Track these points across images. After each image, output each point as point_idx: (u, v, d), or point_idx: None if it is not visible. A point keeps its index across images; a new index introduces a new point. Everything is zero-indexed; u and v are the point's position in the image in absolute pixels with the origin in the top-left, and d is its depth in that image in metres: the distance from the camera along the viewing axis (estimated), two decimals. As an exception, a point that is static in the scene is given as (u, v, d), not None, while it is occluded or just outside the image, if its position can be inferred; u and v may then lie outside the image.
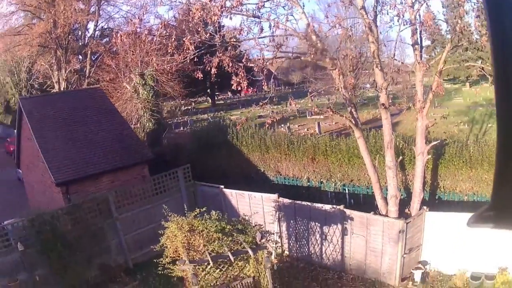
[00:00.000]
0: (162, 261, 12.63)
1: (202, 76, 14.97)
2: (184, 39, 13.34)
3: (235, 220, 13.29)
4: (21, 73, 63.84)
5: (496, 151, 1.63)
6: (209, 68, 14.01)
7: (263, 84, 17.05)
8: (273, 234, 14.18)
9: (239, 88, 13.98)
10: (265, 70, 14.28)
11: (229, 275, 12.63)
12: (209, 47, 14.26)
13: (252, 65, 14.48)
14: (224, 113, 29.93)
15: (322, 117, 41.39)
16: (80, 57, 45.07)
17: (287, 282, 15.57)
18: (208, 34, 14.01)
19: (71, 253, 16.27)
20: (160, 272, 12.99)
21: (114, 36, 14.74)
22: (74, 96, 28.77)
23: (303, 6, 14.36)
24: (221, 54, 13.79)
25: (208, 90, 76.23)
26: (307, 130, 30.84)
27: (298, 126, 39.00)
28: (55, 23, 39.52)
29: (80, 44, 45.86)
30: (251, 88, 16.10)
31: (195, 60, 15.82)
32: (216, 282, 12.55)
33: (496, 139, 1.63)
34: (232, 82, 14.03)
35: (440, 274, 15.09)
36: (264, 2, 13.61)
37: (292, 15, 14.27)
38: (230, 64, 13.74)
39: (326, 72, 17.07)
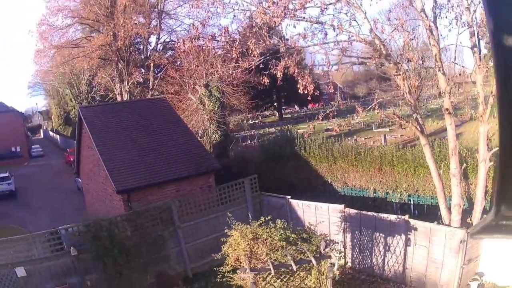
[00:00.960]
0: (222, 269, 12.66)
1: (269, 81, 15.04)
2: (248, 43, 13.46)
3: (300, 229, 13.28)
4: (81, 86, 65.70)
5: (498, 160, 1.62)
6: (274, 72, 14.04)
7: (331, 95, 17.18)
8: (337, 243, 14.04)
9: (306, 92, 14.09)
10: (330, 82, 14.37)
11: (290, 286, 12.50)
12: (274, 53, 14.39)
13: (317, 70, 14.59)
14: (291, 126, 30.29)
15: (387, 129, 41.64)
16: (143, 70, 46.04)
17: (348, 294, 15.42)
18: (273, 40, 14.15)
19: (128, 259, 16.45)
20: (219, 281, 13.05)
21: (177, 42, 15.10)
22: (137, 106, 29.31)
23: (365, 12, 14.43)
24: (286, 59, 13.85)
25: (275, 104, 76.76)
26: (373, 142, 30.79)
27: (365, 138, 38.87)
28: (115, 36, 40.43)
29: (143, 57, 46.91)
30: (318, 102, 16.26)
31: (261, 67, 15.96)
32: (276, 293, 12.45)
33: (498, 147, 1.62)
34: (298, 86, 14.07)
35: (495, 286, 14.70)
36: (327, 5, 13.68)
37: (355, 20, 14.40)
38: (296, 70, 13.81)
39: (391, 83, 16.94)
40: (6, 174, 43.62)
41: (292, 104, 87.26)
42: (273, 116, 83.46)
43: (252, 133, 53.42)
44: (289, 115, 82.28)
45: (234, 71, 19.80)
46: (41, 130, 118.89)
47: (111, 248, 16.13)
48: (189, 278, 18.52)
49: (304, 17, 14.34)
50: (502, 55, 1.46)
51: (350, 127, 48.14)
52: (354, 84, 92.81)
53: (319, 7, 13.86)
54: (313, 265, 12.05)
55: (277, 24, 13.68)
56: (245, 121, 55.22)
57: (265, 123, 72.47)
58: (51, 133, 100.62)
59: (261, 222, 12.83)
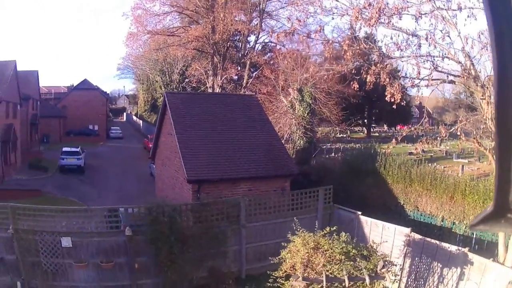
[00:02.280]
0: (275, 274, 12.89)
1: (358, 87, 15.22)
2: (342, 43, 13.74)
3: (362, 246, 13.28)
4: (174, 74, 67.25)
5: (495, 150, 1.65)
6: (365, 77, 14.26)
7: (419, 119, 17.30)
8: (396, 265, 13.98)
9: (392, 100, 14.20)
10: (423, 106, 14.46)
11: (340, 303, 12.58)
12: (367, 60, 14.59)
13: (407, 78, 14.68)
14: (378, 144, 30.45)
15: (467, 161, 43.93)
16: (239, 67, 46.92)
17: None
18: (367, 45, 14.38)
19: (184, 249, 16.54)
20: (269, 285, 13.22)
21: (271, 33, 15.51)
22: (225, 99, 29.95)
23: (459, 31, 14.40)
24: (379, 65, 14.05)
25: (365, 120, 76.61)
26: (451, 172, 30.79)
27: (444, 167, 38.73)
28: (213, 29, 41.35)
29: (240, 54, 47.81)
30: (407, 124, 16.35)
31: (353, 72, 16.20)
32: (324, 308, 12.53)
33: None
34: (386, 93, 14.24)
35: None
36: (421, 14, 13.78)
37: (448, 36, 14.35)
38: (386, 77, 13.98)
39: (477, 113, 16.72)
40: (77, 149, 45.63)
41: (381, 123, 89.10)
42: (361, 133, 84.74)
43: (338, 146, 53.25)
44: (376, 134, 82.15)
45: (326, 74, 19.93)
46: (125, 114, 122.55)
47: (169, 235, 16.23)
48: (241, 279, 18.66)
49: (400, 28, 14.65)
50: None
51: (432, 154, 47.86)
52: (443, 111, 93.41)
53: (413, 15, 14.04)
54: (366, 284, 12.13)
55: (371, 26, 13.87)
56: (332, 133, 55.23)
57: (352, 138, 72.53)
58: (134, 117, 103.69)
59: (325, 232, 12.97)
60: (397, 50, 14.98)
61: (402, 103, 14.85)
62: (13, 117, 43.57)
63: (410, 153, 41.38)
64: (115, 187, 37.32)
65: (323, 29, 15.01)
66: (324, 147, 47.92)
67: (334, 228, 13.37)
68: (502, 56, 1.46)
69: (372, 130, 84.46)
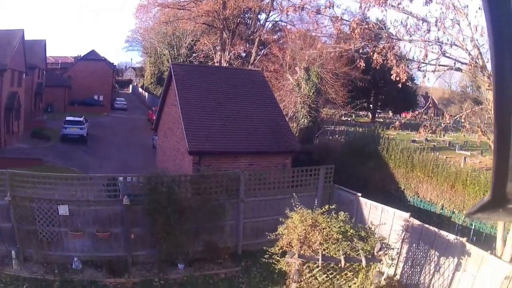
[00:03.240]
0: (271, 250, 12.77)
1: (364, 65, 14.99)
2: (351, 22, 13.51)
3: (360, 227, 13.14)
4: (182, 48, 67.11)
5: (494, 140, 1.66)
6: (372, 54, 14.03)
7: (426, 109, 17.10)
8: (393, 249, 13.81)
9: (398, 79, 14.03)
10: (429, 96, 14.28)
11: (334, 284, 12.44)
12: (375, 40, 14.37)
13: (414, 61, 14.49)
14: (382, 129, 30.50)
15: (469, 153, 44.04)
16: (247, 44, 46.66)
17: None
18: (377, 25, 14.18)
19: (181, 221, 16.45)
20: (264, 261, 13.20)
21: (280, 8, 15.32)
22: (231, 73, 29.72)
23: (469, 22, 14.17)
24: (387, 44, 13.84)
25: (371, 105, 76.56)
26: (453, 162, 30.95)
27: (446, 157, 38.93)
28: (225, 5, 40.98)
29: (249, 32, 47.51)
30: (413, 112, 16.15)
31: (360, 52, 15.96)
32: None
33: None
34: (392, 72, 14.04)
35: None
36: None
37: (458, 24, 14.22)
38: (392, 56, 13.79)
39: (482, 107, 16.49)
40: (81, 119, 45.75)
41: (387, 109, 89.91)
42: (366, 118, 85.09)
43: (342, 129, 53.10)
44: (381, 120, 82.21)
45: (333, 51, 19.68)
46: (131, 86, 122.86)
47: (166, 206, 16.14)
48: (237, 254, 18.58)
49: (410, 12, 14.47)
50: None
51: (435, 144, 47.86)
52: (449, 103, 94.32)
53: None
54: (362, 266, 11.99)
55: (381, 4, 13.64)
56: (337, 115, 55.16)
57: (357, 122, 72.64)
58: (140, 89, 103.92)
59: (324, 210, 12.81)
60: (406, 33, 14.83)
61: (407, 83, 14.72)
62: (18, 86, 43.48)
63: (414, 141, 42.14)
64: (117, 157, 37.29)
65: (333, 5, 14.74)
66: (328, 128, 47.86)
67: (333, 206, 13.27)
68: (500, 55, 1.50)
69: (377, 115, 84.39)
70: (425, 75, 14.52)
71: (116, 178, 18.10)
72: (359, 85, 46.59)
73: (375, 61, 14.40)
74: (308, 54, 34.37)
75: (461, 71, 15.71)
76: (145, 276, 16.46)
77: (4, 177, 15.80)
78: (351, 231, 12.35)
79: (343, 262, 11.37)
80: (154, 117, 40.66)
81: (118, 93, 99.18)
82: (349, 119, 72.34)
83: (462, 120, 15.75)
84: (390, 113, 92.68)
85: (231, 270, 17.34)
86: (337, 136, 45.31)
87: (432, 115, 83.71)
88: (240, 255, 18.62)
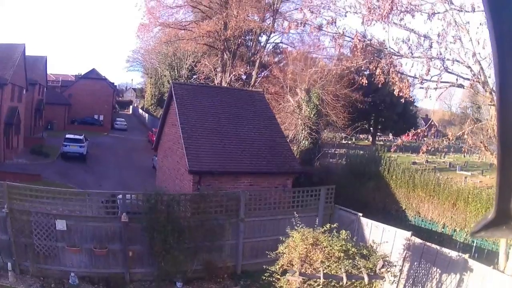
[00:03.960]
0: (272, 268, 12.72)
1: (366, 82, 15.06)
2: (354, 38, 13.60)
3: (362, 245, 13.12)
4: (182, 70, 67.37)
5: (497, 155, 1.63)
6: (373, 70, 14.10)
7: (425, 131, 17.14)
8: (395, 266, 13.74)
9: (400, 94, 14.10)
10: (429, 118, 14.38)
11: (335, 302, 12.32)
12: (377, 57, 14.45)
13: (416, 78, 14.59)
14: (382, 151, 30.70)
15: (470, 174, 44.88)
16: (248, 66, 46.85)
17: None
18: (378, 41, 14.30)
19: (180, 240, 16.42)
20: (264, 279, 13.12)
21: (282, 25, 15.52)
22: (232, 94, 29.72)
23: (471, 38, 14.31)
24: (389, 60, 13.93)
25: (371, 128, 76.96)
26: (454, 183, 31.13)
27: (447, 178, 39.13)
28: (226, 25, 41.13)
29: (250, 54, 47.73)
30: (413, 135, 16.08)
31: (362, 69, 16.06)
32: (319, 306, 12.29)
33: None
34: (394, 88, 14.11)
35: None
36: (434, 13, 13.69)
37: (460, 39, 14.32)
38: (396, 78, 13.87)
39: (483, 125, 16.57)
40: (81, 137, 45.68)
41: (387, 132, 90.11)
42: (366, 141, 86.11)
43: (342, 152, 52.88)
44: (381, 142, 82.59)
45: (335, 68, 19.79)
46: (131, 106, 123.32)
47: (165, 224, 16.11)
48: (236, 274, 18.46)
49: (412, 29, 14.68)
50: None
51: (435, 165, 47.93)
52: (449, 125, 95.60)
53: (426, 12, 14.03)
54: (364, 284, 11.91)
55: (383, 18, 13.76)
56: (337, 139, 55.28)
57: (357, 145, 72.75)
58: (140, 110, 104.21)
59: (325, 229, 12.78)
60: (408, 49, 14.88)
61: (410, 100, 14.78)
62: (18, 101, 43.54)
63: (414, 163, 43.03)
64: (116, 177, 37.24)
65: (335, 22, 14.82)
66: (328, 152, 47.86)
67: (335, 225, 13.24)
68: (503, 61, 1.48)
69: (377, 138, 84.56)
70: (426, 92, 14.56)
71: (115, 195, 18.03)
72: (359, 107, 46.63)
73: (377, 78, 14.47)
74: (309, 74, 34.48)
75: (463, 87, 15.79)
76: (143, 294, 16.28)
77: (2, 189, 15.76)
78: (353, 249, 12.31)
79: (345, 279, 11.29)
80: (154, 138, 40.71)
81: (118, 113, 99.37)
82: (349, 142, 72.45)
83: (466, 136, 15.78)
84: (390, 136, 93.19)
85: (230, 290, 17.19)
86: (337, 159, 45.34)
87: (433, 137, 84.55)
88: (239, 275, 18.50)
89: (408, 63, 16.99)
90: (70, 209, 17.04)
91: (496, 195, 1.63)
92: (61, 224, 15.99)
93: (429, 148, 16.31)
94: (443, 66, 14.54)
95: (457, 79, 15.47)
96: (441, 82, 15.11)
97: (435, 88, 15.09)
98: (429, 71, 14.41)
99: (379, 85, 15.36)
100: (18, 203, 16.04)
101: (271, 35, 47.23)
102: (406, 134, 15.92)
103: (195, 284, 17.21)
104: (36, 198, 16.32)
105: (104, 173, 38.96)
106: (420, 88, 15.59)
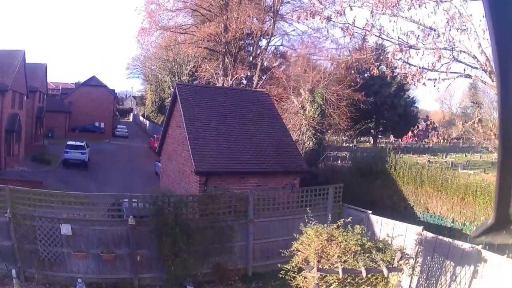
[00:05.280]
0: (287, 267, 12.45)
1: (377, 72, 14.96)
2: (362, 28, 13.50)
3: (377, 239, 13.07)
4: (183, 75, 67.32)
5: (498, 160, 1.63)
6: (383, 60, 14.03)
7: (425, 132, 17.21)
8: (412, 258, 13.53)
9: (413, 80, 14.07)
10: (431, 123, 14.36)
11: (353, 298, 12.03)
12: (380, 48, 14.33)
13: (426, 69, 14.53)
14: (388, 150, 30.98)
15: (472, 172, 44.81)
16: (248, 72, 46.73)
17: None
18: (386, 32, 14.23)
19: (188, 242, 16.08)
20: (278, 279, 13.12)
21: (291, 14, 15.43)
22: (236, 94, 29.64)
23: (475, 30, 14.29)
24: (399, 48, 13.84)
25: (372, 130, 77.10)
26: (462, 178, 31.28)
27: (454, 172, 39.50)
28: (226, 28, 41.12)
29: (251, 58, 47.57)
30: (413, 137, 16.14)
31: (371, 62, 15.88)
32: (337, 303, 12.01)
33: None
34: (407, 75, 14.10)
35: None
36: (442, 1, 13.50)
37: (465, 31, 14.46)
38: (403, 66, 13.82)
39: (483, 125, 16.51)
40: (82, 144, 45.62)
41: (388, 134, 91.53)
42: (368, 143, 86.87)
43: (345, 154, 52.88)
44: (383, 144, 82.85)
45: (345, 59, 19.59)
46: (132, 114, 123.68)
47: (174, 227, 15.76)
48: (247, 276, 18.14)
49: (418, 21, 14.72)
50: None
51: (438, 165, 48.07)
52: (450, 125, 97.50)
53: (434, 1, 14.02)
54: (381, 279, 11.75)
55: (392, 7, 13.66)
56: (340, 142, 55.31)
57: (359, 147, 72.53)
58: (141, 118, 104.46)
59: (338, 225, 12.56)
60: (417, 40, 14.90)
61: (423, 84, 14.62)
62: (19, 108, 43.39)
63: (416, 164, 41.93)
64: (118, 183, 36.97)
65: (344, 12, 14.60)
66: (330, 154, 47.76)
67: (349, 219, 13.11)
68: (504, 63, 1.48)
69: (378, 140, 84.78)
70: (435, 83, 14.46)
71: (121, 198, 17.71)
72: (362, 108, 46.53)
73: (387, 68, 14.37)
74: (313, 75, 34.42)
75: (471, 78, 15.61)
76: (152, 300, 16.00)
77: (4, 193, 15.38)
78: (368, 243, 12.12)
79: (364, 273, 11.02)
80: (155, 144, 40.50)
81: (119, 121, 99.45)
82: (350, 145, 72.42)
83: (476, 125, 15.58)
84: (391, 138, 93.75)
85: (242, 292, 16.88)
86: (339, 161, 45.18)
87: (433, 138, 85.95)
88: (250, 277, 18.17)
89: (415, 56, 16.96)
90: (75, 213, 16.62)
91: (495, 200, 1.65)
92: (66, 229, 15.60)
93: (439, 139, 16.14)
94: (452, 55, 14.37)
95: (464, 69, 15.34)
96: (450, 72, 14.96)
97: (444, 79, 14.94)
98: (440, 58, 14.27)
99: (387, 78, 15.29)
100: (21, 207, 15.64)
101: (272, 38, 47.13)
102: (408, 137, 15.99)
103: (205, 287, 16.85)
104: (39, 202, 15.92)
105: (106, 180, 38.78)
106: (429, 79, 15.45)
